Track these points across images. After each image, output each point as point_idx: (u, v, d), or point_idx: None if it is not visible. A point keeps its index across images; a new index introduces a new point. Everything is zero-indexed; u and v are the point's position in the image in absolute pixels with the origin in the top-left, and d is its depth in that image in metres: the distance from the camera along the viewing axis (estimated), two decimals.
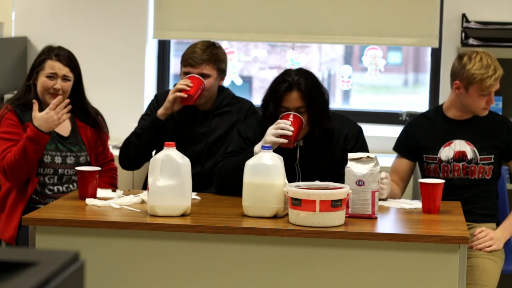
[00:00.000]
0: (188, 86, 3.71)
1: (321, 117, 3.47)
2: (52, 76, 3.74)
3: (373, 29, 4.85)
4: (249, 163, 3.15)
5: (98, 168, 3.45)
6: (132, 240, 3.06)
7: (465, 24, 4.59)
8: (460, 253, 2.95)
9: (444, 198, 3.32)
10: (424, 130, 3.75)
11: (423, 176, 3.75)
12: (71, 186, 3.78)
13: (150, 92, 5.07)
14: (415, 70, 5.65)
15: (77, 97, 3.83)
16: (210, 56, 3.79)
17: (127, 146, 3.83)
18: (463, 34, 4.58)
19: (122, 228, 3.06)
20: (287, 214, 3.08)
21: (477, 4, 4.74)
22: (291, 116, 3.41)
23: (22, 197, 3.70)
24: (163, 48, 5.20)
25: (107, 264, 3.07)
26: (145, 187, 3.66)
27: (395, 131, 4.17)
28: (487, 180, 3.70)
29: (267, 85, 3.59)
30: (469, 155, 3.69)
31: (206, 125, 3.85)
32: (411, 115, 4.87)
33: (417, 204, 3.39)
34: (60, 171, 3.75)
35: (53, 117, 3.59)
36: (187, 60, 3.80)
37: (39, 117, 3.59)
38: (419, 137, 3.75)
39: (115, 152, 4.00)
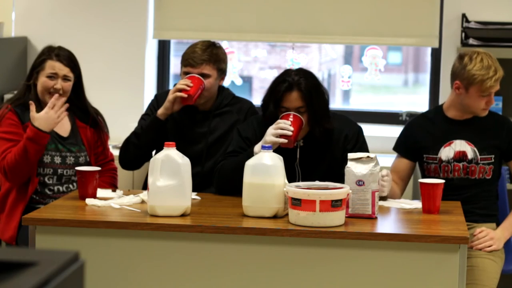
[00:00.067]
0: (188, 86, 3.71)
1: (321, 117, 3.47)
2: (53, 76, 3.74)
3: (373, 29, 4.85)
4: (249, 163, 3.15)
5: (98, 168, 3.45)
6: (132, 240, 3.06)
7: (465, 24, 4.59)
8: (460, 253, 2.95)
9: (444, 198, 3.32)
10: (424, 130, 3.75)
11: (423, 176, 3.75)
12: (71, 186, 3.78)
13: (150, 92, 5.07)
14: (415, 70, 5.65)
15: (77, 97, 3.83)
16: (210, 56, 3.79)
17: (127, 146, 3.83)
18: (463, 34, 4.58)
19: (122, 228, 3.06)
20: (287, 214, 3.08)
21: (477, 4, 4.74)
22: (291, 116, 3.41)
23: (22, 197, 3.70)
24: (163, 48, 5.20)
25: (107, 264, 3.07)
26: (145, 187, 3.66)
27: (395, 131, 4.17)
28: (487, 180, 3.70)
29: (267, 85, 3.59)
30: (470, 155, 3.69)
31: (206, 125, 3.85)
32: (411, 115, 4.87)
33: (417, 204, 3.39)
34: (59, 171, 3.75)
35: (53, 116, 3.59)
36: (187, 60, 3.80)
37: (39, 117, 3.59)
38: (419, 137, 3.75)
39: (115, 152, 4.00)
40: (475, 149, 3.68)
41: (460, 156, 3.69)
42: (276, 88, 3.47)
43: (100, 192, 3.43)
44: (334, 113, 3.60)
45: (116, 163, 3.94)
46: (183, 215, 3.12)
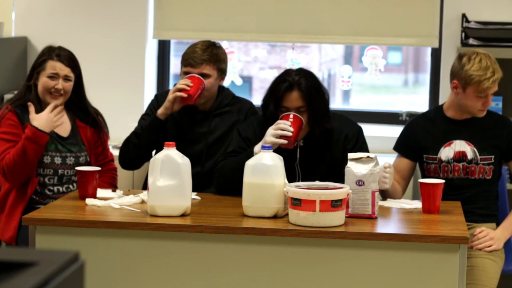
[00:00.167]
0: (188, 86, 3.71)
1: (321, 117, 3.47)
2: (54, 76, 3.74)
3: (373, 29, 4.85)
4: (249, 163, 3.15)
5: (98, 168, 3.45)
6: (132, 240, 3.06)
7: (465, 24, 4.59)
8: (460, 253, 2.95)
9: (444, 198, 3.32)
10: (424, 130, 3.75)
11: (423, 176, 3.75)
12: (71, 186, 3.78)
13: (150, 92, 5.07)
14: (415, 70, 5.65)
15: (77, 97, 3.83)
16: (210, 56, 3.79)
17: (127, 146, 3.83)
18: (463, 34, 4.58)
19: (122, 228, 3.06)
20: (287, 214, 3.08)
21: (477, 4, 4.74)
22: (291, 117, 3.41)
23: (22, 198, 3.70)
24: (163, 48, 5.20)
25: (107, 264, 3.07)
26: (145, 187, 3.66)
27: (395, 131, 4.17)
28: (487, 180, 3.70)
29: (267, 85, 3.59)
30: (469, 155, 3.69)
31: (206, 125, 3.85)
32: (411, 115, 4.87)
33: (417, 204, 3.39)
34: (60, 171, 3.75)
35: (52, 119, 3.59)
36: (187, 60, 3.80)
37: (38, 117, 3.59)
38: (419, 137, 3.75)
39: (115, 152, 4.00)
40: (475, 149, 3.68)
41: (460, 156, 3.69)
42: (276, 88, 3.47)
43: (100, 192, 3.43)
44: (334, 113, 3.60)
45: (116, 163, 3.94)
46: (183, 215, 3.12)
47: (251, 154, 3.35)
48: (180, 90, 3.70)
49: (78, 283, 1.40)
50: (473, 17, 4.66)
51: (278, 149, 3.34)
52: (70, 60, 3.79)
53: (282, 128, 3.36)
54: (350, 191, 3.06)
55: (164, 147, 3.13)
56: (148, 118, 3.83)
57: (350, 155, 3.20)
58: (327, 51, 5.39)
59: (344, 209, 3.03)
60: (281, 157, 3.17)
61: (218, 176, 3.51)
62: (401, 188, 3.72)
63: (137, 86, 5.05)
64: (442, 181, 3.30)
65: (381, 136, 4.71)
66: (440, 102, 4.71)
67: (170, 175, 3.09)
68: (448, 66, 3.81)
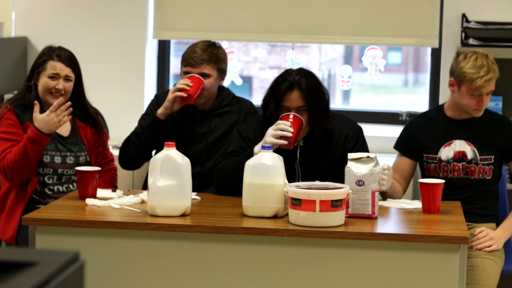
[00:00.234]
0: (188, 85, 3.71)
1: (321, 117, 3.47)
2: (54, 76, 3.74)
3: (373, 29, 4.85)
4: (249, 163, 3.15)
5: (98, 168, 3.45)
6: (132, 240, 3.06)
7: (465, 24, 4.59)
8: (460, 253, 2.95)
9: (444, 198, 3.32)
10: (424, 129, 3.76)
11: (423, 176, 3.75)
12: (71, 186, 3.78)
13: (150, 92, 5.07)
14: (415, 70, 5.65)
15: (77, 97, 3.83)
16: (210, 56, 3.79)
17: (127, 145, 3.83)
18: (463, 34, 4.58)
19: (122, 228, 3.06)
20: (287, 214, 3.08)
21: (477, 4, 4.74)
22: (291, 117, 3.40)
23: (22, 197, 3.70)
24: (163, 48, 5.20)
25: (107, 264, 3.07)
26: (145, 187, 3.66)
27: (395, 131, 4.17)
28: (487, 181, 3.70)
29: (267, 85, 3.59)
30: (469, 155, 3.69)
31: (206, 125, 3.85)
32: (411, 115, 4.87)
33: (417, 204, 3.39)
34: (59, 171, 3.75)
35: (54, 119, 3.59)
36: (187, 60, 3.80)
37: (40, 119, 3.59)
38: (420, 137, 3.75)
39: (115, 152, 4.00)
40: (475, 149, 3.68)
41: (460, 156, 3.69)
42: (277, 88, 3.47)
43: (100, 192, 3.43)
44: (334, 113, 3.60)
45: (116, 163, 3.94)
46: (183, 215, 3.12)
47: (251, 154, 3.35)
48: (180, 90, 3.70)
49: (78, 283, 1.40)
50: (473, 17, 4.66)
51: (278, 149, 3.34)
52: (70, 60, 3.79)
53: (282, 128, 3.36)
54: (350, 191, 3.06)
55: (164, 147, 3.13)
56: (148, 118, 3.83)
57: (350, 155, 3.20)
58: (327, 51, 5.39)
59: (344, 209, 3.03)
60: (281, 157, 3.17)
61: (218, 176, 3.51)
62: (401, 188, 3.72)
63: (137, 86, 5.05)
64: (442, 181, 3.30)
65: (381, 136, 4.71)
66: (440, 102, 4.71)
67: (170, 175, 3.09)
68: (448, 66, 3.81)
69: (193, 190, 3.25)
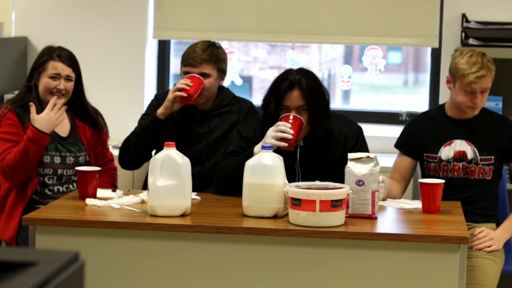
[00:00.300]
0: (188, 85, 3.71)
1: (321, 117, 3.47)
2: (55, 76, 3.74)
3: (373, 29, 4.85)
4: (249, 163, 3.15)
5: (98, 168, 3.45)
6: (132, 240, 3.06)
7: (465, 24, 4.59)
8: (460, 253, 2.95)
9: (444, 198, 3.32)
10: (425, 128, 3.76)
11: (423, 175, 3.75)
12: (71, 186, 3.78)
13: (150, 92, 5.07)
14: (415, 70, 5.65)
15: (77, 96, 3.83)
16: (210, 55, 3.79)
17: (126, 145, 3.83)
18: (463, 34, 4.58)
19: (122, 228, 3.06)
20: (287, 214, 3.08)
21: (477, 4, 4.74)
22: (291, 118, 3.40)
23: (22, 197, 3.70)
24: (163, 48, 5.20)
25: (107, 264, 3.07)
26: (145, 187, 3.66)
27: (395, 131, 4.17)
28: (487, 181, 3.70)
29: (267, 85, 3.59)
30: (469, 155, 3.69)
31: (206, 125, 3.85)
32: (411, 115, 4.88)
33: (417, 204, 3.39)
34: (59, 171, 3.75)
35: (53, 117, 3.59)
36: (187, 60, 3.80)
37: (39, 118, 3.59)
38: (420, 136, 3.75)
39: (115, 152, 4.00)
40: (475, 149, 3.68)
41: (460, 156, 3.69)
42: (277, 87, 3.47)
43: (100, 192, 3.43)
44: (334, 113, 3.61)
45: (116, 163, 3.94)
46: (183, 215, 3.12)
47: (251, 155, 3.35)
48: (180, 89, 3.70)
49: (78, 283, 1.40)
50: (473, 17, 4.66)
51: (278, 149, 3.34)
52: (71, 60, 3.79)
53: (282, 130, 3.36)
54: (350, 191, 3.06)
55: (164, 147, 3.13)
56: (148, 118, 3.83)
57: (350, 155, 3.20)
58: (327, 51, 5.39)
59: (344, 209, 3.03)
60: (281, 157, 3.17)
61: (218, 176, 3.51)
62: (399, 190, 3.72)
63: (137, 86, 5.05)
64: (442, 181, 3.30)
65: (381, 136, 4.71)
66: (440, 102, 4.71)
67: (170, 175, 3.09)
68: (448, 66, 3.81)
69: (193, 190, 3.25)
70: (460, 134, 3.70)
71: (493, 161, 3.69)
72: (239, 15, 4.93)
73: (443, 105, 3.80)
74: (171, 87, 4.21)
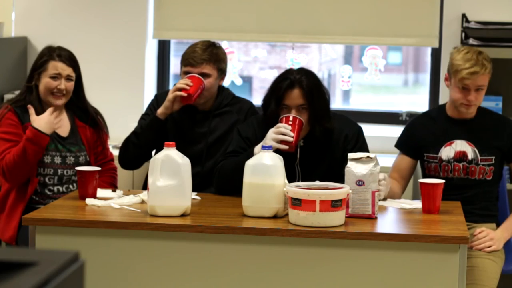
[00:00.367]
0: (188, 85, 3.71)
1: (321, 116, 3.48)
2: (56, 76, 3.74)
3: (373, 29, 4.85)
4: (249, 163, 3.15)
5: (98, 168, 3.45)
6: (132, 240, 3.06)
7: (465, 24, 4.59)
8: (460, 253, 2.95)
9: (444, 198, 3.32)
10: (425, 128, 3.76)
11: (424, 175, 3.75)
12: (71, 186, 3.78)
13: (150, 92, 5.07)
14: (415, 70, 5.65)
15: (77, 96, 3.83)
16: (210, 55, 3.79)
17: (126, 145, 3.83)
18: (463, 34, 4.58)
19: (122, 228, 3.06)
20: (287, 214, 3.08)
21: (477, 4, 4.74)
22: (291, 119, 3.40)
23: (22, 197, 3.70)
24: (163, 48, 5.20)
25: (107, 264, 3.07)
26: (145, 187, 3.66)
27: (395, 131, 4.17)
28: (487, 181, 3.70)
29: (267, 85, 3.59)
30: (470, 155, 3.68)
31: (206, 125, 3.85)
32: (411, 115, 4.88)
33: (417, 204, 3.39)
34: (59, 171, 3.75)
35: (52, 121, 3.60)
36: (187, 60, 3.80)
37: (38, 119, 3.59)
38: (421, 136, 3.75)
39: (115, 152, 4.00)
40: (476, 149, 3.68)
41: (460, 156, 3.69)
42: (277, 86, 3.47)
43: (100, 192, 3.43)
44: (334, 113, 3.61)
45: (116, 163, 3.94)
46: (183, 215, 3.12)
47: (251, 155, 3.35)
48: (180, 89, 3.70)
49: (78, 283, 1.40)
50: (473, 17, 4.66)
51: (278, 149, 3.34)
52: (71, 60, 3.79)
53: (283, 132, 3.36)
54: (350, 191, 3.06)
55: (164, 147, 3.13)
56: (148, 118, 3.83)
57: (350, 155, 3.20)
58: (327, 51, 5.39)
59: (344, 209, 3.03)
60: (281, 157, 3.17)
61: (218, 176, 3.51)
62: (399, 189, 3.72)
63: (137, 86, 5.05)
64: (442, 181, 3.30)
65: (381, 136, 4.71)
66: (440, 102, 4.71)
67: (170, 175, 3.09)
68: None
69: (193, 190, 3.25)
70: (461, 134, 3.70)
71: (493, 162, 3.69)
72: (239, 15, 4.93)
73: (444, 105, 3.80)
74: (171, 87, 4.21)
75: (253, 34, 4.96)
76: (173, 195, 3.09)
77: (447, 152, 3.70)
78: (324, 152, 3.55)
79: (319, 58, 5.50)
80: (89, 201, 3.30)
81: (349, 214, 3.12)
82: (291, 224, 3.02)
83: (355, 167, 3.16)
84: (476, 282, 3.47)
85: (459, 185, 3.68)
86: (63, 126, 3.79)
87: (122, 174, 4.16)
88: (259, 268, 3.02)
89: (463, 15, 4.65)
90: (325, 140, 3.53)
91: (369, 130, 4.44)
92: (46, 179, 3.74)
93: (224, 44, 5.02)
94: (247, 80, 5.54)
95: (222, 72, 3.84)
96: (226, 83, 4.35)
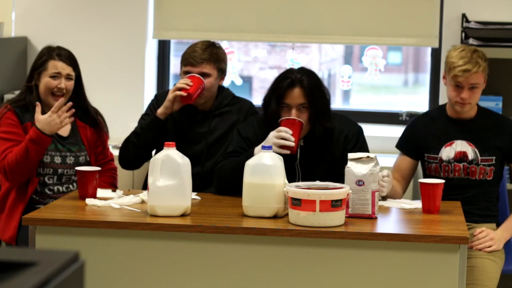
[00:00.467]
0: (188, 85, 3.71)
1: (322, 116, 3.48)
2: (56, 76, 3.74)
3: (373, 29, 4.85)
4: (249, 163, 3.15)
5: (98, 168, 3.45)
6: (132, 240, 3.06)
7: (465, 24, 4.59)
8: (460, 253, 2.95)
9: (444, 198, 3.32)
10: (426, 129, 3.75)
11: (424, 175, 3.75)
12: (71, 186, 3.78)
13: (150, 92, 5.07)
14: (415, 70, 5.65)
15: (77, 96, 3.83)
16: (210, 55, 3.79)
17: (126, 145, 3.83)
18: (463, 34, 4.58)
19: (122, 228, 3.06)
20: (287, 214, 3.08)
21: (477, 4, 4.74)
22: (291, 121, 3.41)
23: (22, 197, 3.70)
24: (163, 48, 5.20)
25: (107, 264, 3.07)
26: (145, 187, 3.66)
27: (395, 131, 4.17)
28: (488, 182, 3.69)
29: (267, 85, 3.60)
30: (470, 155, 3.68)
31: (206, 125, 3.85)
32: (411, 115, 4.88)
33: (417, 204, 3.39)
34: (59, 171, 3.75)
35: (56, 120, 3.59)
36: (188, 59, 3.80)
37: (42, 120, 3.59)
38: (421, 136, 3.75)
39: (115, 152, 4.00)
40: (476, 150, 3.68)
41: (461, 157, 3.69)
42: (278, 85, 3.47)
43: (100, 192, 3.43)
44: (334, 113, 3.61)
45: (116, 163, 3.94)
46: (183, 215, 3.12)
47: (251, 155, 3.35)
48: (180, 89, 3.70)
49: (78, 283, 1.40)
50: (473, 17, 4.66)
51: None
52: (70, 59, 3.80)
53: (284, 137, 3.36)
54: (350, 191, 3.06)
55: (164, 147, 3.13)
56: (148, 118, 3.83)
57: (350, 155, 3.20)
58: (327, 51, 5.39)
59: (344, 209, 3.03)
60: (281, 157, 3.17)
61: (218, 176, 3.51)
62: (401, 188, 3.72)
63: (137, 86, 5.05)
64: (442, 181, 3.30)
65: (381, 136, 4.71)
66: (440, 102, 4.71)
67: (170, 175, 3.09)
68: None
69: (193, 190, 3.25)
70: (461, 134, 3.70)
71: (494, 162, 3.68)
72: (239, 15, 4.93)
73: (444, 105, 3.80)
74: (171, 87, 4.21)
75: (253, 34, 4.96)
76: (173, 195, 3.09)
77: (447, 152, 3.70)
78: (324, 152, 3.55)
79: (319, 58, 5.50)
80: (89, 201, 3.30)
81: (349, 214, 3.12)
82: (291, 224, 3.02)
83: (355, 167, 3.16)
84: (476, 282, 3.47)
85: (460, 185, 3.68)
86: (64, 126, 3.79)
87: (122, 174, 4.16)
88: (259, 268, 3.02)
89: (463, 15, 4.65)
90: (325, 140, 3.53)
91: (369, 130, 4.44)
92: (46, 179, 3.74)
93: (224, 44, 5.02)
94: (247, 80, 5.54)
95: (222, 72, 3.84)
96: (226, 83, 4.35)
